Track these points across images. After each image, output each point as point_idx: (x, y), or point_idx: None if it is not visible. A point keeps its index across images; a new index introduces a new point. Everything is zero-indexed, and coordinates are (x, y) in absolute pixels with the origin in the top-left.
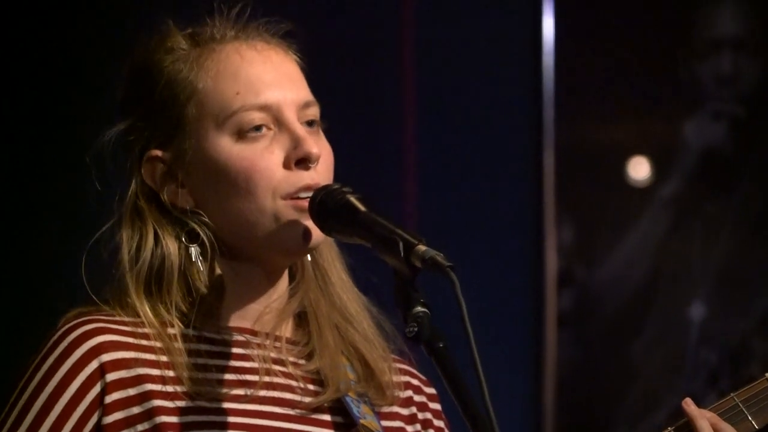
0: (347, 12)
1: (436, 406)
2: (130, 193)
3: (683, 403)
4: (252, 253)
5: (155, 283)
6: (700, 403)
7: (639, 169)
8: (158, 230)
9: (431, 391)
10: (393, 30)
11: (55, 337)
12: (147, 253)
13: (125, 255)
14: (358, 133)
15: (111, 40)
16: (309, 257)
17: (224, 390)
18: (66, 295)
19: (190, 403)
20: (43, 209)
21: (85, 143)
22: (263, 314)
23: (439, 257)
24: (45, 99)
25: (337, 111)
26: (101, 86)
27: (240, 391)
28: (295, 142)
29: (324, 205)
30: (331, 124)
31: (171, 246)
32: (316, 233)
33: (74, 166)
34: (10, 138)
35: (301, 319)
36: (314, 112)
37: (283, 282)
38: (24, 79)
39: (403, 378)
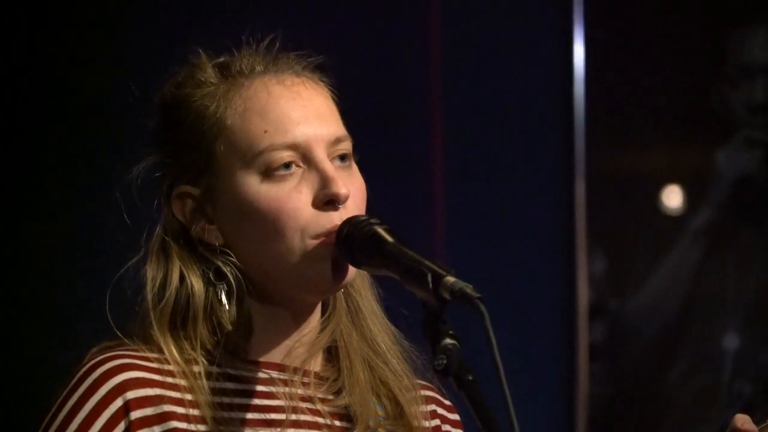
0: (373, 43)
1: None
2: (158, 229)
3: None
4: (282, 292)
5: (180, 320)
6: None
7: (671, 198)
8: (183, 269)
9: (455, 417)
10: (421, 61)
11: (80, 374)
12: (171, 292)
13: (149, 293)
14: (384, 163)
15: (144, 81)
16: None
17: (249, 430)
18: (92, 329)
19: None
20: (69, 243)
21: (115, 176)
22: (293, 348)
23: (469, 289)
24: (71, 131)
25: (362, 141)
26: (129, 117)
27: (265, 431)
28: (324, 181)
29: (350, 238)
30: (357, 154)
31: (196, 285)
32: (348, 270)
33: (102, 197)
34: (37, 170)
35: (331, 354)
36: (346, 146)
37: (315, 316)
38: (50, 108)
39: (430, 407)
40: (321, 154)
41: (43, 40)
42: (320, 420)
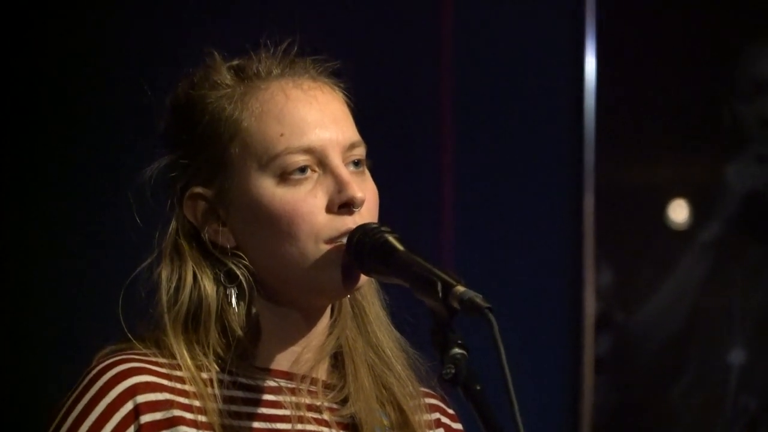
0: (385, 52)
1: None
2: (170, 230)
3: None
4: (292, 295)
5: (192, 324)
6: None
7: (679, 212)
8: (197, 270)
9: (458, 427)
10: (432, 72)
11: (91, 376)
12: (185, 294)
13: (164, 295)
14: (394, 172)
15: (158, 81)
16: None
17: None
18: (103, 331)
19: None
20: (81, 243)
21: (127, 176)
22: (301, 355)
23: (478, 299)
24: (85, 132)
25: (371, 150)
26: (142, 118)
27: None
28: (340, 186)
29: (361, 245)
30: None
31: (209, 287)
32: (359, 276)
33: (114, 197)
34: (51, 171)
35: (337, 360)
36: (360, 152)
37: (324, 321)
38: (63, 109)
39: (434, 415)
40: (336, 159)
41: (58, 40)
42: (326, 430)
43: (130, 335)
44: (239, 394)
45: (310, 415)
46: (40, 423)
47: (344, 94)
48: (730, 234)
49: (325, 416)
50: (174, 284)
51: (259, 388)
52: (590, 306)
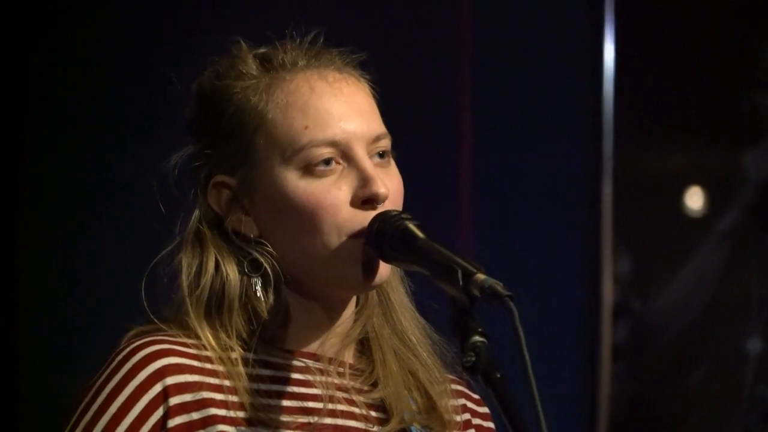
0: (403, 42)
1: (490, 424)
2: (193, 217)
3: None
4: (314, 286)
5: (215, 308)
6: None
7: (697, 200)
8: (219, 257)
9: (485, 410)
10: (450, 61)
11: (120, 358)
12: (207, 279)
13: (184, 280)
14: (411, 161)
15: (184, 70)
16: None
17: (287, 418)
18: (126, 316)
19: (253, 430)
20: (106, 229)
21: (151, 165)
22: (326, 339)
23: (499, 286)
24: (111, 121)
25: (393, 141)
26: (168, 106)
27: (303, 419)
28: (363, 180)
29: (381, 232)
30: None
31: (231, 274)
32: (381, 271)
33: (139, 186)
34: (77, 160)
35: (364, 346)
36: (385, 143)
37: (349, 309)
38: (90, 97)
39: (460, 401)
40: (361, 152)
41: (83, 28)
42: (356, 410)
43: (156, 318)
44: (266, 372)
45: (339, 394)
46: (68, 404)
47: (370, 85)
48: (748, 222)
49: (354, 397)
50: (194, 269)
51: (286, 367)
52: (608, 294)
